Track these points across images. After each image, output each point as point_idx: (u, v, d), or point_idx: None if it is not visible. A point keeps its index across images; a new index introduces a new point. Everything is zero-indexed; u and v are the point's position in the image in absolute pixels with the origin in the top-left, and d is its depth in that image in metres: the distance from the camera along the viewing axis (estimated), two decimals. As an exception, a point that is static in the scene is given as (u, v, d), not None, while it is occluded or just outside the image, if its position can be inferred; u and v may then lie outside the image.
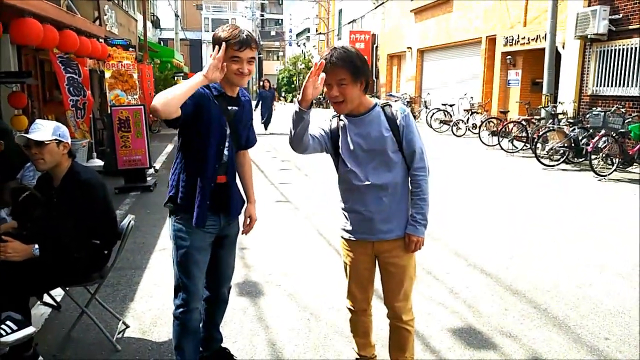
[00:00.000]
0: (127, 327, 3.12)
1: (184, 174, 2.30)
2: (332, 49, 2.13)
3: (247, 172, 2.59)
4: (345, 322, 2.64)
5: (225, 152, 2.33)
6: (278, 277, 3.97)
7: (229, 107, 2.30)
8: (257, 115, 14.28)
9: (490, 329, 3.15)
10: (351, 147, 2.22)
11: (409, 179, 2.25)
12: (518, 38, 13.49)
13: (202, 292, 2.42)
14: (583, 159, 9.18)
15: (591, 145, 8.37)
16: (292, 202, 6.53)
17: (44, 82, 8.74)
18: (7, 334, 2.34)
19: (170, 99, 1.97)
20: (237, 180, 2.50)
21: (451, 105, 16.11)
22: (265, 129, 15.10)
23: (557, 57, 11.35)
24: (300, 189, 7.36)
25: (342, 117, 2.25)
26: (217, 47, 2.13)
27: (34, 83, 7.56)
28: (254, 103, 15.15)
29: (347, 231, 2.33)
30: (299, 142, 2.19)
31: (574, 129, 9.32)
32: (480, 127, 12.73)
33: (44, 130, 2.61)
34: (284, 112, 16.26)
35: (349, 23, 27.91)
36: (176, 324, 2.36)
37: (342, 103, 2.14)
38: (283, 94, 40.76)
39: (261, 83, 16.56)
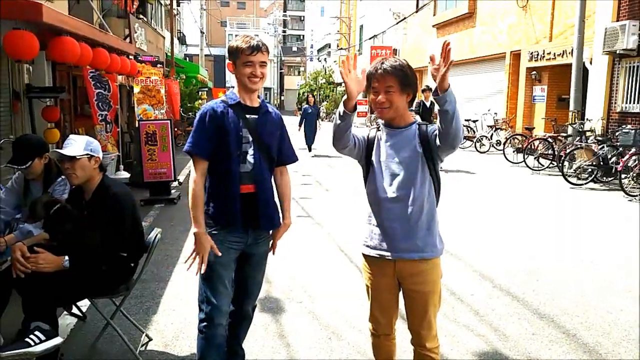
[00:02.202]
0: (150, 339, 3.14)
1: (212, 186, 2.36)
2: (383, 58, 2.17)
3: (284, 190, 2.57)
4: (367, 344, 2.60)
5: (251, 159, 2.34)
6: (299, 294, 3.95)
7: (248, 116, 2.34)
8: (300, 134, 13.18)
9: (518, 354, 3.06)
10: (383, 157, 2.22)
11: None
12: (543, 53, 13.33)
13: (227, 308, 2.40)
14: (612, 178, 8.95)
15: (621, 164, 8.15)
16: (313, 218, 6.52)
17: (75, 96, 9.02)
18: (36, 344, 2.38)
19: (190, 205, 2.28)
20: (275, 197, 2.51)
21: (474, 121, 15.98)
22: (309, 150, 13.37)
23: (584, 73, 11.16)
24: (322, 204, 7.36)
25: (381, 127, 2.27)
26: (203, 256, 2.27)
27: (67, 98, 7.82)
28: (291, 118, 14.63)
29: (367, 246, 2.30)
30: (340, 137, 2.17)
31: (603, 147, 9.10)
32: (504, 144, 12.56)
33: (76, 145, 2.69)
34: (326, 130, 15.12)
35: (370, 38, 28.05)
36: (200, 338, 2.37)
37: (388, 109, 2.16)
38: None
39: (306, 98, 14.89)
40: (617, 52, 10.21)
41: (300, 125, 13.43)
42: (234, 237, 2.36)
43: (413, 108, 10.10)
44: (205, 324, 2.34)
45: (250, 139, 2.34)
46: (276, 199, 2.52)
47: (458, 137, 2.07)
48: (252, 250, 2.45)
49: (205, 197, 2.37)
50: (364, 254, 2.33)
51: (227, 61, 2.41)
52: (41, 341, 2.41)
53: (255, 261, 2.50)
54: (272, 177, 2.50)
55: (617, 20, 10.38)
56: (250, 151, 2.34)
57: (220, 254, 2.28)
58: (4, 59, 5.72)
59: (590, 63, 11.37)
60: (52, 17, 4.66)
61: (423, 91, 10.87)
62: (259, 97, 2.46)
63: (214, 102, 2.40)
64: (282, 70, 58.87)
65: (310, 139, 13.52)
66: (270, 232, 2.52)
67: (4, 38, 4.46)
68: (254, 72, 2.29)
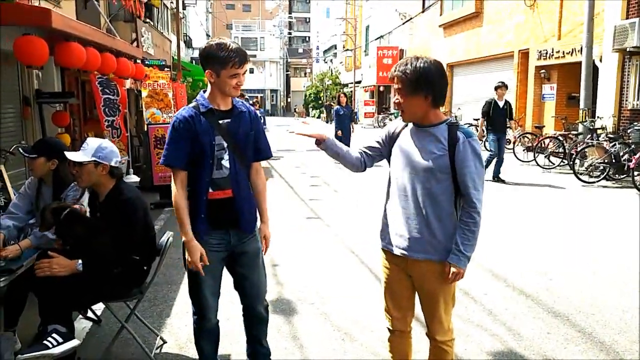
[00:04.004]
0: (165, 342, 3.15)
1: (189, 193, 2.36)
2: (407, 59, 2.15)
3: (260, 189, 2.53)
4: (381, 345, 2.59)
5: (226, 164, 2.32)
6: (311, 295, 3.94)
7: (221, 121, 2.32)
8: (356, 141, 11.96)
9: (533, 353, 3.03)
10: (405, 153, 2.20)
11: (462, 206, 2.14)
12: (552, 52, 13.24)
13: (214, 306, 2.48)
14: (625, 175, 8.85)
15: (634, 161, 8.07)
16: (322, 219, 6.51)
17: (84, 101, 9.09)
18: (54, 346, 2.40)
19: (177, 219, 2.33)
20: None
21: (483, 121, 15.87)
22: None
23: (594, 71, 11.06)
24: (331, 206, 7.35)
25: (409, 124, 2.27)
26: (200, 255, 2.32)
27: (76, 102, 7.88)
28: (319, 121, 12.85)
29: (382, 240, 2.31)
30: (345, 164, 2.40)
31: (615, 145, 9.01)
32: (514, 143, 12.47)
33: (86, 150, 2.72)
34: (361, 135, 12.52)
35: (376, 39, 28.05)
36: (194, 328, 2.56)
37: (402, 112, 2.19)
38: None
39: (337, 97, 12.44)
40: (627, 49, 10.11)
41: (337, 129, 11.56)
42: (215, 240, 2.39)
43: (482, 107, 8.99)
44: (196, 317, 2.51)
45: (225, 144, 2.33)
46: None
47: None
48: (241, 249, 2.45)
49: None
50: (381, 247, 2.34)
51: (205, 69, 2.26)
52: (59, 343, 2.43)
53: (248, 260, 2.48)
54: (249, 177, 2.48)
55: (627, 18, 10.29)
56: (225, 156, 2.32)
57: (208, 263, 2.33)
58: (13, 64, 5.77)
59: (600, 61, 11.27)
60: (61, 23, 4.70)
61: (496, 89, 8.97)
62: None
63: (185, 109, 2.34)
64: (288, 72, 58.99)
65: (343, 143, 12.22)
66: (255, 232, 2.50)
67: (14, 44, 4.50)
68: (239, 82, 2.29)
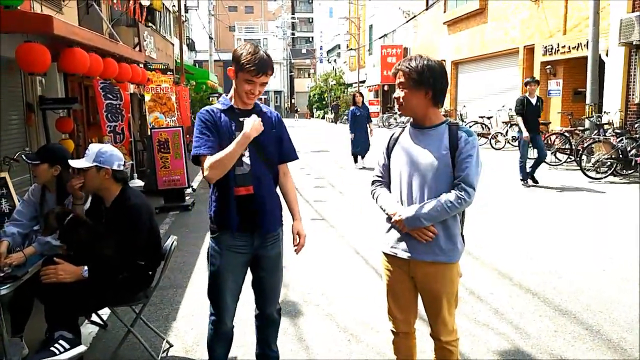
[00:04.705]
0: (171, 346, 3.15)
1: (213, 192, 2.39)
2: (410, 57, 2.16)
3: (288, 191, 2.57)
4: (386, 345, 2.58)
5: (247, 161, 2.33)
6: (316, 297, 3.93)
7: (241, 119, 2.33)
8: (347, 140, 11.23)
9: (540, 352, 3.01)
10: (406, 157, 2.20)
11: (456, 186, 2.11)
12: (558, 47, 13.14)
13: (232, 308, 2.48)
14: (632, 170, 8.77)
15: (641, 156, 7.98)
16: (327, 220, 6.50)
17: (87, 106, 9.14)
18: (61, 352, 2.42)
19: (225, 164, 2.21)
20: (280, 197, 2.52)
21: (489, 118, 15.80)
22: (362, 157, 10.93)
23: (600, 65, 10.97)
24: (335, 207, 7.34)
25: (408, 127, 2.27)
26: (255, 119, 2.24)
27: (79, 108, 7.92)
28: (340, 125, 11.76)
29: (385, 243, 2.30)
30: None
31: (622, 140, 8.92)
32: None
33: (87, 156, 2.74)
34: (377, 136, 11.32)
35: (380, 38, 28.00)
36: (210, 329, 2.53)
37: (401, 106, 2.19)
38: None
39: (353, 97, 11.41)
40: (634, 43, 10.02)
41: (351, 131, 10.90)
42: (239, 241, 2.39)
43: (515, 107, 8.26)
44: (213, 318, 2.49)
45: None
46: (281, 199, 2.53)
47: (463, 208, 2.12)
48: (262, 252, 2.46)
49: (209, 201, 2.43)
50: (382, 251, 2.33)
51: (229, 66, 2.33)
52: (66, 349, 2.44)
53: (268, 264, 2.49)
54: (274, 176, 2.48)
55: (633, 11, 10.19)
56: (246, 153, 2.33)
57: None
58: (16, 71, 5.81)
59: (607, 55, 11.17)
60: (63, 29, 4.72)
61: (526, 84, 8.35)
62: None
63: (208, 107, 2.44)
64: (292, 73, 59.03)
65: (361, 146, 10.79)
66: (278, 232, 2.51)
67: (16, 51, 4.53)
68: (252, 91, 2.30)
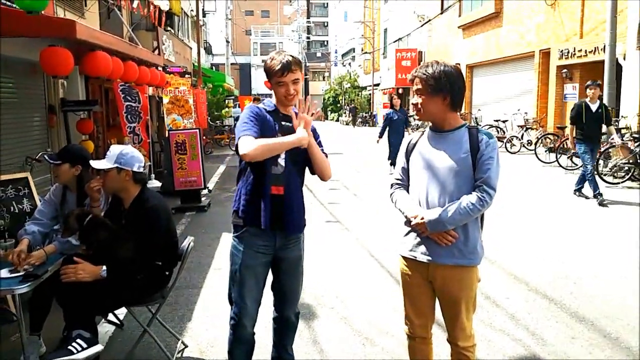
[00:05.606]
0: (186, 346, 3.19)
1: (245, 187, 2.41)
2: (427, 63, 2.19)
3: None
4: (401, 349, 2.58)
5: (282, 162, 2.38)
6: (331, 300, 3.94)
7: (283, 123, 2.42)
8: (383, 147, 10.55)
9: (557, 359, 2.97)
10: (424, 160, 2.21)
11: (477, 187, 2.12)
12: (574, 51, 12.98)
13: (253, 311, 2.48)
14: (651, 176, 8.60)
15: (660, 161, 7.81)
16: (342, 223, 6.51)
17: (107, 108, 9.30)
18: (78, 351, 2.45)
19: (269, 152, 2.27)
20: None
21: (504, 122, 15.66)
22: (393, 164, 9.75)
23: (617, 69, 10.80)
24: (350, 209, 7.34)
25: (427, 131, 2.28)
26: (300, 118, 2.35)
27: (99, 110, 8.06)
28: (371, 129, 10.53)
29: (403, 246, 2.30)
30: None
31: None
32: (536, 144, 12.26)
33: (108, 157, 2.78)
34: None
35: (394, 41, 27.95)
36: (230, 333, 2.51)
37: (419, 111, 2.20)
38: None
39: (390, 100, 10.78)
40: (652, 46, 9.85)
41: (380, 136, 10.52)
42: (262, 241, 2.41)
43: (570, 114, 7.55)
44: (233, 322, 2.48)
45: None
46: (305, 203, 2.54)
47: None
48: (283, 254, 2.48)
49: (237, 196, 2.45)
50: (400, 254, 2.33)
51: (257, 73, 2.43)
52: (83, 349, 2.48)
53: (288, 266, 2.52)
54: (302, 180, 2.52)
55: (651, 14, 10.02)
56: (282, 155, 2.38)
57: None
58: (39, 74, 5.94)
59: (624, 59, 11.00)
60: (85, 34, 4.81)
61: (587, 87, 7.50)
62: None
63: (255, 104, 2.50)
64: (307, 76, 59.11)
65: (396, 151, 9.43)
66: (299, 235, 2.53)
67: (40, 55, 4.63)
68: (287, 91, 2.36)
